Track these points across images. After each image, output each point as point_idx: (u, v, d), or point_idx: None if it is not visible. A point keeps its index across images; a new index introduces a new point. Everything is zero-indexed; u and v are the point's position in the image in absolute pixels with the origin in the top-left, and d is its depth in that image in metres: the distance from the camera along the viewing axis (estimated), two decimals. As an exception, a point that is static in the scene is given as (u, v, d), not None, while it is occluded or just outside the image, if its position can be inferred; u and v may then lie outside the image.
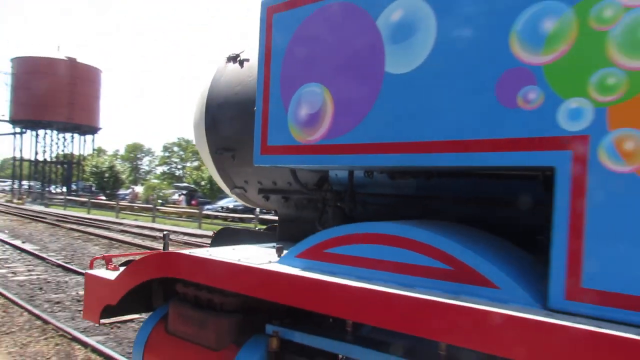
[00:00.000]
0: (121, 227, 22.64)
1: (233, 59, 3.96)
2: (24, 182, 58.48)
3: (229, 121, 3.84)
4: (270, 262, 2.74)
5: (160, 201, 40.02)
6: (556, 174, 1.82)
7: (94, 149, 62.96)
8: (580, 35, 1.78)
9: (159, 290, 3.58)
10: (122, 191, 51.66)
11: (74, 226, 22.17)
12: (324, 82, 2.53)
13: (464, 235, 2.22)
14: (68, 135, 58.37)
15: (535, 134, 1.87)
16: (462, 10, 2.08)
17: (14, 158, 56.46)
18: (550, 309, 1.82)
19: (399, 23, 2.25)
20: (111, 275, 3.57)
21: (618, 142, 1.69)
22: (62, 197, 42.89)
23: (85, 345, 6.20)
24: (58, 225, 22.55)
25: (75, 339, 6.49)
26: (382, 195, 3.09)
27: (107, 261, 3.91)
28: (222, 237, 4.34)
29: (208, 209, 29.30)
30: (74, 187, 54.92)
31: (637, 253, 1.66)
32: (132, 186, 58.72)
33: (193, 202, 37.67)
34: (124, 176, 52.22)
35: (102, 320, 3.77)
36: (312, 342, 2.57)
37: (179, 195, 43.94)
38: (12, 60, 54.01)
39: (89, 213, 31.87)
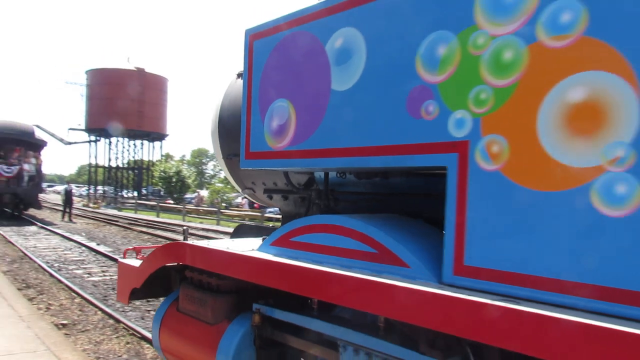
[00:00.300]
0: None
1: (240, 75, 4.53)
2: (99, 187, 62.48)
3: (237, 130, 4.41)
4: (252, 249, 3.26)
5: (224, 204, 41.58)
6: (448, 172, 2.22)
7: (162, 155, 66.39)
8: (462, 58, 2.18)
9: (176, 276, 4.20)
10: (188, 195, 54.05)
11: (144, 229, 23.52)
12: (289, 98, 3.03)
13: (393, 225, 2.65)
14: (138, 142, 61.82)
15: (433, 140, 2.28)
16: (383, 38, 2.52)
17: (89, 165, 60.58)
18: (443, 283, 2.22)
19: (340, 48, 2.72)
20: (137, 263, 4.22)
21: (488, 145, 2.08)
22: (133, 201, 45.48)
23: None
24: (129, 228, 23.85)
25: (144, 338, 6.70)
26: (351, 193, 3.54)
27: (137, 252, 4.58)
28: (240, 232, 4.92)
29: (270, 212, 30.08)
30: (144, 191, 58.06)
31: (502, 235, 2.04)
32: (198, 190, 61.27)
33: (255, 205, 38.86)
34: (190, 180, 54.71)
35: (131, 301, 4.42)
36: (285, 317, 3.06)
37: (242, 199, 45.49)
38: (87, 72, 57.97)
39: (158, 216, 33.58)
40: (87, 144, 59.27)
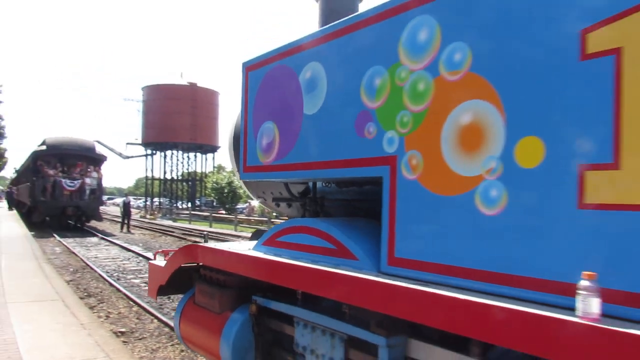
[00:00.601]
0: (239, 240, 24.50)
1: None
2: (155, 199, 65.27)
3: (247, 146, 5.03)
4: (249, 249, 3.86)
5: (274, 214, 42.52)
6: (383, 182, 2.73)
7: (214, 167, 68.65)
8: (391, 88, 2.69)
9: (194, 275, 4.84)
10: (240, 205, 55.58)
11: (197, 239, 24.46)
12: (274, 120, 3.61)
13: (351, 226, 3.17)
14: (192, 154, 64.28)
15: (373, 155, 2.80)
16: (339, 70, 3.06)
17: (146, 177, 63.56)
18: (381, 272, 2.73)
19: (309, 79, 3.28)
20: (163, 263, 4.91)
21: (409, 159, 2.58)
22: (187, 212, 47.25)
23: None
24: (184, 239, 24.61)
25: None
26: (334, 200, 4.07)
27: (165, 254, 5.27)
28: (256, 237, 5.53)
29: (312, 221, 30.34)
30: (197, 202, 60.22)
31: (420, 232, 2.53)
32: (249, 200, 62.81)
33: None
34: (241, 191, 56.26)
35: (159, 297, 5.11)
36: (276, 307, 3.62)
37: (290, 208, 46.22)
38: (143, 88, 61.02)
39: (210, 226, 34.65)
40: (144, 157, 62.18)
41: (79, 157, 29.21)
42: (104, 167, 32.68)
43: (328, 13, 4.58)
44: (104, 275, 12.83)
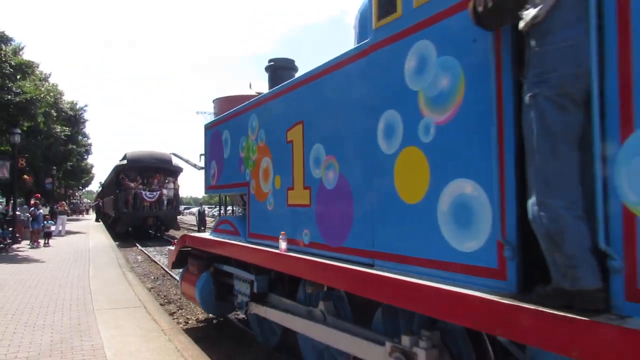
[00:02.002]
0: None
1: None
2: (228, 207, 69.67)
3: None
4: (209, 235, 6.73)
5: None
6: (247, 193, 5.50)
7: (285, 173, 72.20)
8: (247, 148, 5.47)
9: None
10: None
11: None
12: (215, 160, 6.48)
13: (240, 218, 5.96)
14: (262, 162, 68.19)
15: (242, 181, 5.56)
16: (231, 136, 5.87)
17: (222, 186, 68.37)
18: (247, 240, 5.49)
19: (224, 138, 6.12)
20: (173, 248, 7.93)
21: (251, 183, 5.33)
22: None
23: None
24: None
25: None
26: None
27: (173, 243, 8.28)
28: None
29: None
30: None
31: (255, 220, 5.28)
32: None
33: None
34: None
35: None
36: (224, 268, 6.45)
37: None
38: (214, 101, 65.66)
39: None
40: (219, 167, 66.93)
41: (157, 169, 30.30)
42: (180, 178, 33.50)
43: (271, 84, 7.37)
44: (183, 282, 13.36)
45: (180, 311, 8.64)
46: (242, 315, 7.54)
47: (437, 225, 2.80)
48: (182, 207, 41.43)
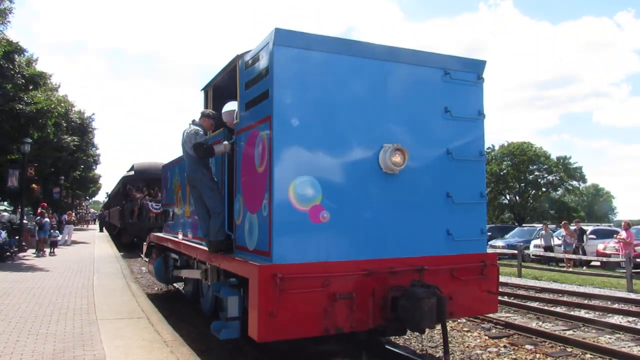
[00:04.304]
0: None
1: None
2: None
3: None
4: (163, 234, 11.35)
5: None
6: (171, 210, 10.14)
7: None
8: (174, 186, 10.10)
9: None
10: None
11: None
12: (165, 188, 11.17)
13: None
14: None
15: (172, 202, 10.20)
16: (168, 178, 10.53)
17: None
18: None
19: (166, 178, 10.79)
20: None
21: (173, 209, 9.96)
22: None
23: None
24: None
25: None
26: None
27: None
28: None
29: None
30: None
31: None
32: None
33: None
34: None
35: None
36: (171, 254, 11.01)
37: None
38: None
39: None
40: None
41: (163, 181, 33.70)
42: (186, 190, 37.57)
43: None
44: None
45: (182, 323, 8.80)
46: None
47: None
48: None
